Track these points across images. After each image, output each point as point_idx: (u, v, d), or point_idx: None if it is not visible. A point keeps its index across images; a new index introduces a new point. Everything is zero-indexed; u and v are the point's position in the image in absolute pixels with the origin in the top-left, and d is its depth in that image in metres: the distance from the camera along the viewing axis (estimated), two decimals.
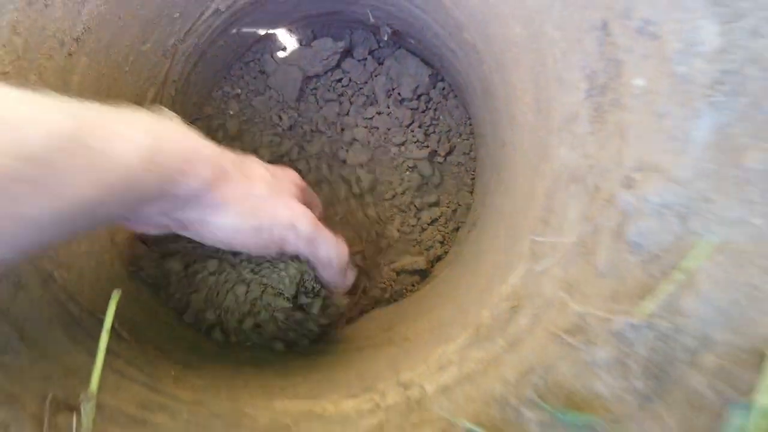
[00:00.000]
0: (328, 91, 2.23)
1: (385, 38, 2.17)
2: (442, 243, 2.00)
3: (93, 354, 1.10)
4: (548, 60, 1.07)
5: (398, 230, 2.02)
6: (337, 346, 1.56)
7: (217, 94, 2.15)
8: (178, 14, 1.55)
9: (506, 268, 1.21)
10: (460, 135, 2.21)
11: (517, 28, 1.17)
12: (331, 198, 1.98)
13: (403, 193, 2.09)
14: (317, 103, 2.22)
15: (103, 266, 1.33)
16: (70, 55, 1.26)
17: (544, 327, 0.93)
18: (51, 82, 1.24)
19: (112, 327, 1.17)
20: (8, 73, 1.11)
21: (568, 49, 0.98)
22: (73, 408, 0.96)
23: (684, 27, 0.72)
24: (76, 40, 1.25)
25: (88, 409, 0.86)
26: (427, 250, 1.99)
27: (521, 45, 1.19)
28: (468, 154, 2.17)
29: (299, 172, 1.44)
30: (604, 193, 0.88)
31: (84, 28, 1.26)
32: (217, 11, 1.70)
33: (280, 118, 2.14)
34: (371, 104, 2.24)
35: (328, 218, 1.49)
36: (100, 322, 1.12)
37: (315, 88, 2.21)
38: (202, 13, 1.66)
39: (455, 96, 2.24)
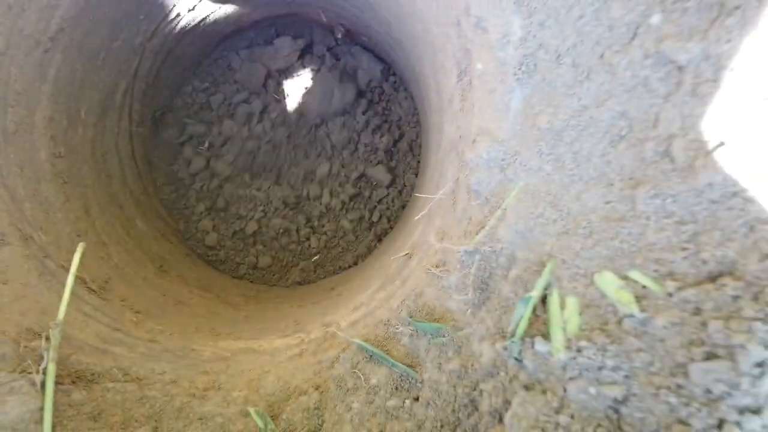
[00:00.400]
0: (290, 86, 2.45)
1: (339, 36, 2.39)
2: (388, 219, 2.23)
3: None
4: (437, 51, 1.29)
5: (349, 221, 2.24)
6: (285, 305, 1.79)
7: (187, 88, 2.38)
8: (143, 16, 1.77)
9: (413, 229, 1.44)
10: (408, 123, 2.43)
11: (418, 26, 1.40)
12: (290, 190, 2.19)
13: (357, 179, 2.31)
14: (280, 96, 2.44)
15: (78, 233, 1.55)
16: (46, 51, 1.48)
17: (423, 265, 1.16)
18: (30, 75, 1.47)
19: (84, 280, 1.41)
20: None
21: (445, 41, 1.21)
22: (47, 337, 1.19)
23: (501, 22, 0.94)
24: (51, 39, 1.48)
25: (55, 333, 1.08)
26: (375, 226, 2.22)
27: (422, 39, 1.42)
28: (415, 140, 2.40)
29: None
30: (464, 156, 1.11)
31: (58, 28, 1.48)
32: (178, 15, 1.93)
33: (249, 103, 2.36)
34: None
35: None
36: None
37: (278, 84, 2.43)
38: (166, 16, 1.89)
39: (405, 88, 2.46)
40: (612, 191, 0.82)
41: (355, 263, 2.13)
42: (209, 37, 2.30)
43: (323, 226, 2.24)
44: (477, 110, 1.05)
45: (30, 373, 1.05)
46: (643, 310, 0.71)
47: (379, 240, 2.21)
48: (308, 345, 1.31)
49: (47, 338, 1.16)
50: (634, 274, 0.75)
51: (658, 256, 0.73)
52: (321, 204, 2.30)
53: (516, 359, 0.82)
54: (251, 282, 2.08)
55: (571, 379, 0.74)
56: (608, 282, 0.76)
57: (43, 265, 1.37)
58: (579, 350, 0.73)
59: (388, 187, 2.34)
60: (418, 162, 2.39)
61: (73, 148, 1.67)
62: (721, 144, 0.69)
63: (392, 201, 2.29)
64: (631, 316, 0.72)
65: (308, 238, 2.21)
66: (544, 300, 0.84)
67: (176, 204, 2.20)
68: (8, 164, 1.41)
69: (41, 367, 1.05)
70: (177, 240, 2.11)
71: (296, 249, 2.19)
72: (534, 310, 0.83)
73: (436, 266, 1.09)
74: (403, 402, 0.98)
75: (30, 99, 1.48)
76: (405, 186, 2.33)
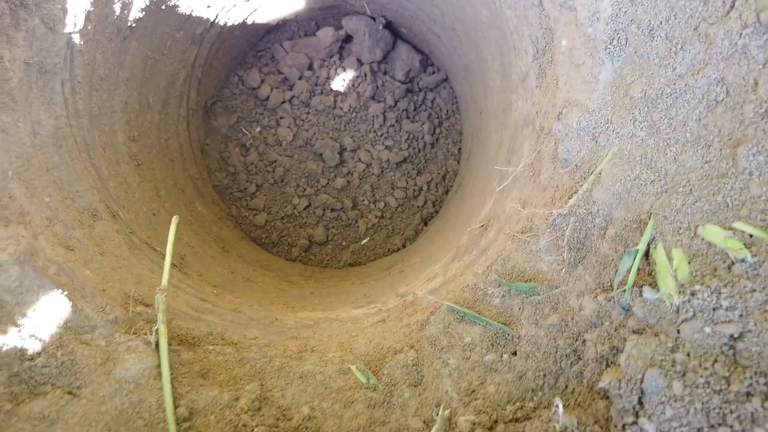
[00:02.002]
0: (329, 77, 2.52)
1: (380, 27, 2.46)
2: (433, 204, 2.30)
3: (152, 270, 1.40)
4: (507, 33, 1.36)
5: (395, 199, 2.31)
6: (346, 283, 1.85)
7: (233, 78, 2.44)
8: (209, 5, 1.84)
9: (480, 204, 1.51)
10: (447, 112, 2.50)
11: (484, 11, 1.47)
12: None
13: (397, 165, 2.37)
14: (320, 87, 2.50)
15: (153, 212, 1.62)
16: (125, 39, 1.55)
17: (505, 233, 1.22)
18: (110, 61, 1.53)
19: (164, 255, 1.48)
20: (82, 51, 1.40)
21: (519, 23, 1.28)
22: (146, 304, 1.26)
23: (589, 0, 1.01)
24: (130, 27, 1.54)
25: (162, 297, 1.15)
26: (420, 210, 2.28)
27: (487, 24, 1.48)
28: (455, 127, 2.46)
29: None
30: (546, 129, 1.18)
31: (135, 17, 1.55)
32: (235, 5, 1.99)
33: (293, 91, 2.43)
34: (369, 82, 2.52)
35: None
36: (155, 251, 1.42)
37: (320, 73, 2.50)
38: (224, 6, 1.95)
39: (445, 78, 2.53)
40: (710, 151, 0.89)
41: (404, 245, 2.20)
42: (256, 29, 2.37)
43: (370, 211, 2.31)
44: (562, 84, 1.12)
45: (142, 334, 1.12)
46: (753, 255, 0.77)
47: (425, 223, 2.28)
48: (388, 312, 1.38)
49: (148, 305, 1.22)
50: (740, 225, 0.81)
51: (764, 207, 0.80)
52: (366, 188, 2.37)
53: (623, 308, 0.89)
54: (304, 264, 2.15)
55: (684, 320, 0.80)
56: (714, 233, 0.83)
57: (130, 239, 1.43)
58: (693, 294, 0.80)
59: (430, 173, 2.40)
60: (459, 149, 2.45)
61: (144, 132, 1.73)
62: None
63: (436, 186, 2.36)
64: (742, 261, 0.78)
65: (356, 221, 2.28)
66: (647, 254, 0.91)
67: (228, 189, 2.27)
68: (94, 144, 1.48)
69: (154, 329, 1.12)
70: (231, 224, 2.17)
71: (345, 232, 2.25)
72: (639, 262, 0.90)
73: (522, 232, 1.16)
74: (501, 356, 1.05)
75: (110, 84, 1.55)
76: (447, 172, 2.40)
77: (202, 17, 1.89)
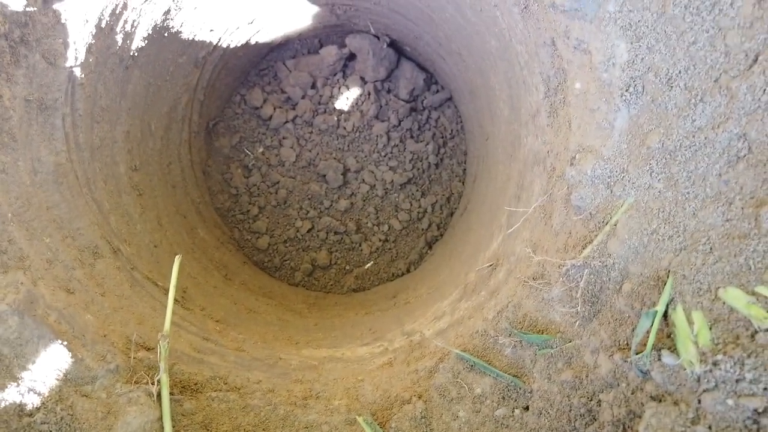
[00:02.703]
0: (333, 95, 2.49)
1: (384, 46, 2.43)
2: (438, 227, 2.27)
3: (154, 308, 1.38)
4: (516, 68, 1.33)
5: (400, 221, 2.28)
6: (350, 312, 1.83)
7: (235, 98, 2.42)
8: (211, 29, 1.81)
9: (488, 238, 1.48)
10: (452, 132, 2.47)
11: (493, 42, 1.44)
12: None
13: (401, 186, 2.35)
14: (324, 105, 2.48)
15: (155, 243, 1.59)
16: (127, 68, 1.52)
17: (515, 277, 1.20)
18: (112, 91, 1.51)
19: (167, 290, 1.45)
20: (83, 84, 1.37)
21: (530, 59, 1.25)
22: (147, 347, 1.23)
23: (604, 45, 0.98)
24: (132, 56, 1.52)
25: (164, 345, 1.12)
26: (425, 233, 2.25)
27: (496, 55, 1.45)
28: (459, 147, 2.43)
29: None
30: (558, 171, 1.15)
31: (138, 46, 1.52)
32: (238, 28, 1.97)
33: (296, 110, 2.41)
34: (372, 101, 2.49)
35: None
36: (156, 286, 1.40)
37: (323, 91, 2.47)
38: (227, 29, 1.93)
39: (449, 98, 2.50)
40: (732, 209, 0.86)
41: (408, 270, 2.17)
42: (259, 49, 2.34)
43: (374, 234, 2.28)
44: (576, 128, 1.09)
45: (143, 383, 1.09)
46: None
47: (430, 247, 2.25)
48: (395, 354, 1.35)
49: (150, 348, 1.20)
50: (763, 290, 0.78)
51: None
52: (370, 210, 2.34)
53: (641, 371, 0.86)
54: (307, 289, 2.12)
55: (706, 390, 0.77)
56: (736, 297, 0.80)
57: (132, 276, 1.41)
58: (715, 364, 0.77)
59: (434, 194, 2.37)
60: (464, 170, 2.43)
61: (145, 160, 1.71)
62: None
63: (440, 208, 2.33)
64: (766, 330, 0.75)
65: (360, 244, 2.25)
66: (664, 314, 0.88)
67: (231, 211, 2.24)
68: (95, 178, 1.45)
69: (156, 378, 1.09)
70: (234, 248, 2.15)
71: (349, 255, 2.23)
72: (658, 324, 0.87)
73: (533, 278, 1.13)
74: (512, 411, 1.02)
75: (112, 114, 1.52)
76: (452, 193, 2.37)
77: (205, 41, 1.87)
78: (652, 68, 0.95)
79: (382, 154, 2.40)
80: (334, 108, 2.48)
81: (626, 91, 0.97)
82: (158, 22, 1.56)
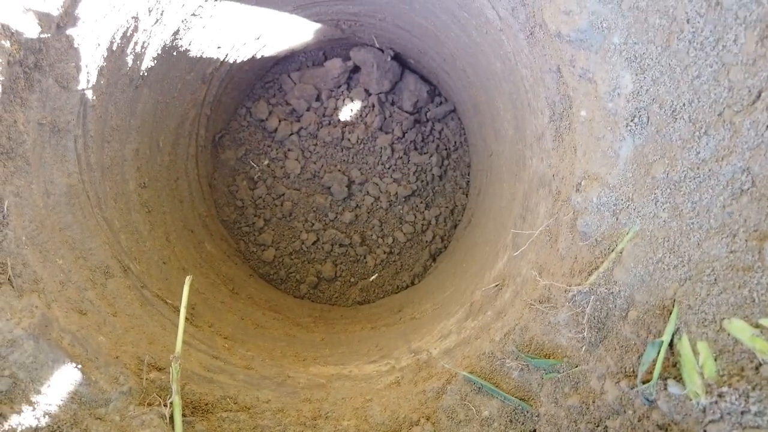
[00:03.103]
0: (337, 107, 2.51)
1: (389, 59, 2.45)
2: (442, 239, 2.28)
3: (164, 327, 1.39)
4: (521, 90, 1.35)
5: (404, 233, 2.30)
6: (356, 327, 1.84)
7: (241, 111, 2.44)
8: (219, 46, 1.83)
9: (494, 256, 1.50)
10: (455, 144, 2.49)
11: (498, 64, 1.46)
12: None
13: (406, 198, 2.36)
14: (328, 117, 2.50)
15: (163, 260, 1.61)
16: (137, 88, 1.54)
17: (522, 299, 1.21)
18: (122, 111, 1.52)
19: (177, 308, 1.47)
20: (95, 106, 1.39)
21: (535, 83, 1.27)
22: (159, 368, 1.25)
23: (609, 75, 1.00)
24: (142, 76, 1.54)
25: (176, 367, 1.14)
26: (429, 245, 2.27)
27: (501, 76, 1.47)
28: (463, 159, 2.45)
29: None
30: (563, 195, 1.17)
31: (147, 66, 1.54)
32: (244, 44, 1.99)
33: (300, 122, 2.43)
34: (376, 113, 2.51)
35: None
36: (166, 304, 1.42)
37: (328, 104, 2.49)
38: (234, 45, 1.95)
39: (453, 110, 2.52)
40: (736, 241, 0.88)
41: (412, 282, 2.19)
42: (264, 62, 2.36)
43: (378, 246, 2.30)
44: (581, 154, 1.11)
45: (156, 405, 1.11)
46: None
47: (434, 259, 2.27)
48: (402, 373, 1.37)
49: (161, 369, 1.21)
50: (766, 322, 0.80)
51: None
52: (374, 222, 2.36)
53: (647, 399, 0.88)
54: (313, 301, 2.14)
55: (712, 422, 0.79)
56: (740, 329, 0.82)
57: (142, 295, 1.43)
58: (720, 395, 0.79)
59: (438, 206, 2.39)
60: (467, 182, 2.44)
61: (154, 177, 1.73)
62: None
63: (444, 221, 2.34)
64: None
65: (364, 256, 2.27)
66: (670, 343, 0.89)
67: (236, 224, 2.26)
68: (105, 197, 1.47)
69: (169, 400, 1.11)
70: (240, 261, 2.16)
71: (353, 268, 2.24)
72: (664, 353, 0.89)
73: (540, 301, 1.15)
74: None
75: (122, 133, 1.54)
76: (456, 206, 2.39)
77: (213, 57, 1.89)
78: (656, 100, 0.97)
79: (387, 166, 2.42)
80: (339, 120, 2.50)
81: (631, 121, 0.99)
82: (167, 42, 1.58)
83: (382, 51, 2.46)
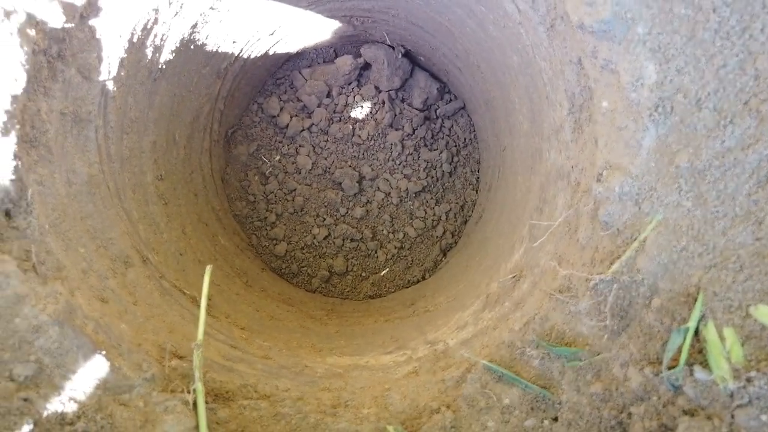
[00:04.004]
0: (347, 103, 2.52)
1: (399, 56, 2.47)
2: (452, 234, 2.29)
3: (183, 317, 1.40)
4: (538, 83, 1.36)
5: (414, 229, 2.31)
6: (369, 319, 1.85)
7: (252, 106, 2.45)
8: (234, 41, 1.85)
9: (509, 249, 1.50)
10: (465, 140, 2.50)
11: (515, 57, 1.47)
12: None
13: (416, 194, 2.37)
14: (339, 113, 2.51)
15: (180, 252, 1.62)
16: (155, 80, 1.55)
17: (541, 289, 1.22)
18: (141, 103, 1.54)
19: (194, 299, 1.48)
20: (115, 97, 1.40)
21: (554, 76, 1.27)
22: (180, 356, 1.25)
23: (633, 66, 1.01)
24: (160, 69, 1.55)
25: (198, 354, 1.14)
26: (439, 240, 2.28)
27: (517, 69, 1.48)
28: (472, 155, 2.46)
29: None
30: (583, 186, 1.18)
31: (166, 59, 1.55)
32: (259, 39, 2.00)
33: (312, 118, 2.44)
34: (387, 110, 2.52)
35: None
36: (184, 294, 1.42)
37: (339, 100, 2.50)
38: (249, 40, 1.96)
39: (463, 107, 2.53)
40: (762, 228, 0.88)
41: (423, 277, 2.19)
42: (276, 58, 2.37)
43: (389, 241, 2.31)
44: (602, 145, 1.11)
45: (179, 392, 1.12)
46: None
47: (444, 254, 2.28)
48: (419, 363, 1.37)
49: (182, 357, 1.22)
50: None
51: None
52: (385, 218, 2.37)
53: (673, 386, 0.88)
54: (324, 295, 2.15)
55: (739, 406, 0.80)
56: (767, 315, 0.82)
57: (161, 285, 1.43)
58: (749, 380, 0.79)
59: (448, 202, 2.40)
60: (477, 179, 2.45)
61: (170, 169, 1.74)
62: None
63: (454, 216, 2.35)
64: None
65: (375, 251, 2.28)
66: (695, 330, 0.90)
67: (248, 218, 2.27)
68: (124, 188, 1.48)
69: (192, 387, 1.11)
70: (252, 255, 2.17)
71: (365, 262, 2.25)
72: (690, 339, 0.89)
73: (560, 291, 1.15)
74: (542, 422, 1.04)
75: (140, 125, 1.55)
76: (466, 201, 2.40)
77: (228, 52, 1.90)
78: (681, 90, 0.97)
79: (397, 162, 2.43)
80: (349, 116, 2.51)
81: (655, 111, 1.00)
82: (185, 36, 1.59)
83: (393, 48, 2.47)
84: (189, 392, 1.10)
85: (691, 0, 0.94)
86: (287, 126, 2.43)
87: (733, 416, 0.80)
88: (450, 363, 1.28)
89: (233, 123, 2.33)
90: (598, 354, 1.04)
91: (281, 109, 2.46)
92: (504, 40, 1.49)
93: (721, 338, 0.85)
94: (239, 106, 2.34)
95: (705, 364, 0.86)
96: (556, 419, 1.04)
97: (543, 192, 1.39)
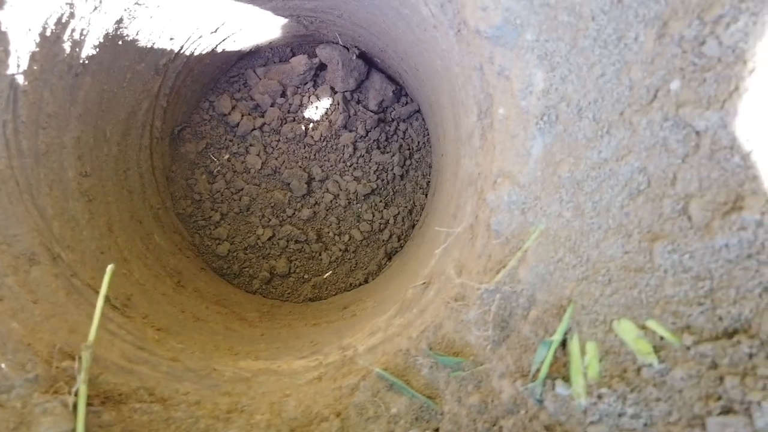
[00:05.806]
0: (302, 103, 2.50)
1: (354, 57, 2.45)
2: (399, 238, 2.27)
3: (90, 316, 1.37)
4: (456, 88, 1.35)
5: (361, 232, 2.29)
6: (300, 323, 1.83)
7: (204, 104, 2.43)
8: (171, 38, 1.82)
9: (429, 256, 1.49)
10: (418, 144, 2.48)
11: (438, 61, 1.45)
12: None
13: (365, 197, 2.35)
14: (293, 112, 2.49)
15: (102, 250, 1.60)
16: (76, 75, 1.53)
17: (441, 297, 1.20)
18: (61, 98, 1.51)
19: (108, 298, 1.45)
20: (27, 91, 1.38)
21: (465, 82, 1.26)
22: (74, 356, 1.23)
23: (523, 73, 0.99)
24: (82, 63, 1.53)
25: (87, 356, 1.12)
26: (385, 244, 2.26)
27: (441, 74, 1.47)
28: (425, 159, 2.45)
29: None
30: (483, 193, 1.16)
31: (88, 54, 1.53)
32: (200, 36, 1.98)
33: (264, 118, 2.42)
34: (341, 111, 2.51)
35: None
36: (96, 293, 1.40)
37: (293, 100, 2.48)
38: (189, 37, 1.94)
39: (417, 110, 2.51)
40: (630, 242, 0.87)
41: (366, 281, 2.17)
42: (227, 56, 2.35)
43: (334, 244, 2.29)
44: (498, 152, 1.10)
45: (62, 394, 1.09)
46: (661, 361, 0.75)
47: (389, 258, 2.26)
48: (326, 368, 1.35)
49: (78, 359, 1.20)
50: (652, 324, 0.79)
51: (675, 308, 0.78)
52: (332, 220, 2.35)
53: (537, 399, 0.86)
54: (264, 297, 2.12)
55: (591, 423, 0.78)
56: (627, 330, 0.81)
57: (71, 283, 1.41)
58: (600, 397, 0.77)
59: (397, 206, 2.38)
60: (428, 182, 2.44)
61: (98, 166, 1.71)
62: (739, 208, 0.73)
63: (402, 220, 2.33)
64: (650, 365, 0.76)
65: (320, 253, 2.26)
66: (564, 342, 0.88)
67: (192, 217, 2.25)
68: (39, 184, 1.46)
69: (74, 389, 1.09)
70: (192, 254, 2.15)
71: (308, 264, 2.23)
72: (554, 352, 0.88)
73: (455, 299, 1.14)
74: None
75: (60, 120, 1.53)
76: (414, 205, 2.38)
77: (166, 49, 1.88)
78: (564, 98, 0.96)
79: (348, 164, 2.41)
80: (303, 117, 2.49)
81: (541, 119, 0.99)
82: (110, 31, 1.57)
83: (348, 49, 2.45)
84: (72, 394, 1.08)
85: (572, 7, 0.93)
86: (238, 125, 2.41)
87: None
88: (352, 369, 1.26)
89: (181, 120, 2.31)
90: (481, 365, 1.02)
91: (233, 107, 2.43)
92: (428, 43, 1.47)
93: (583, 352, 0.84)
94: (187, 103, 2.31)
95: (568, 379, 0.84)
96: (437, 430, 1.02)
97: (458, 198, 1.38)
